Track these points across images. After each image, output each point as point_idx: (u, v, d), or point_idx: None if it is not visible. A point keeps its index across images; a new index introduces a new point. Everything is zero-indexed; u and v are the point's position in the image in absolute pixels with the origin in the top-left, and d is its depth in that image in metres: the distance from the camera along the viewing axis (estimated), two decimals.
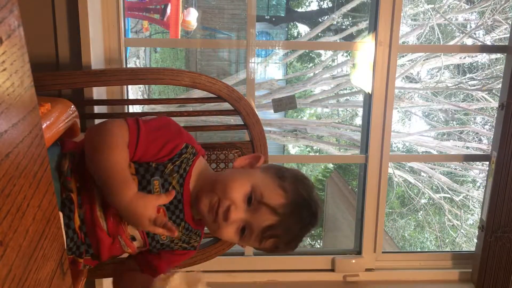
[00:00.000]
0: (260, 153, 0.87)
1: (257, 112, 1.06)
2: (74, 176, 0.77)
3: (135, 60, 6.19)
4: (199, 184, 0.81)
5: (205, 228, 0.89)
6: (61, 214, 0.74)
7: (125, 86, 1.36)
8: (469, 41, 6.13)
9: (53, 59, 1.21)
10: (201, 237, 0.89)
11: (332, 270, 1.60)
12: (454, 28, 6.48)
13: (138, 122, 0.77)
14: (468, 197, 6.29)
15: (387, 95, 1.49)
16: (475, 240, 1.61)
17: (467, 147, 6.30)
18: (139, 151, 0.76)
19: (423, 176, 6.42)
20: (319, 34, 6.37)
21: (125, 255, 0.88)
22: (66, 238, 0.76)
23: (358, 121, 6.77)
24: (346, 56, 6.58)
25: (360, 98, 6.00)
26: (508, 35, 1.51)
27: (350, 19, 7.07)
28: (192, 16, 4.44)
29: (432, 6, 5.94)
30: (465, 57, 5.96)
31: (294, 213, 0.77)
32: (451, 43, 6.22)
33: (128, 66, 2.35)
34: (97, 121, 1.17)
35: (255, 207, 0.76)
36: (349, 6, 6.16)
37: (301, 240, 0.84)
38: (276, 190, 0.77)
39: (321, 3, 8.02)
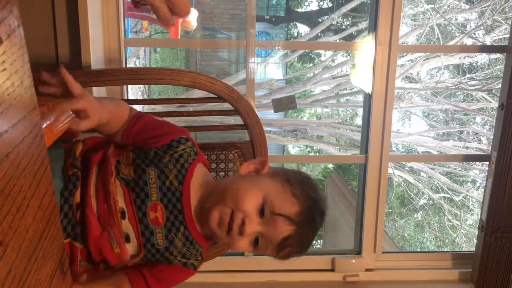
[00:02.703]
0: (266, 158, 0.84)
1: (257, 112, 1.06)
2: (82, 160, 0.77)
3: (135, 60, 6.20)
4: (204, 195, 0.78)
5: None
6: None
7: (125, 86, 1.36)
8: (468, 41, 6.14)
9: (53, 59, 1.21)
10: (202, 257, 0.83)
11: (332, 270, 1.60)
12: (454, 28, 6.48)
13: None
14: (468, 197, 6.29)
15: (387, 95, 1.49)
16: (475, 240, 1.61)
17: (467, 147, 6.30)
18: (139, 123, 0.80)
19: (423, 176, 6.43)
20: (319, 34, 6.38)
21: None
22: (61, 214, 0.72)
23: (358, 121, 6.78)
24: (346, 56, 6.59)
25: (360, 98, 6.00)
26: (508, 35, 1.51)
27: (350, 19, 7.07)
28: (192, 16, 4.44)
29: (432, 6, 5.94)
30: (464, 57, 5.96)
31: (309, 221, 0.76)
32: (451, 43, 6.22)
33: (128, 66, 2.35)
34: None
35: (268, 219, 0.74)
36: (349, 6, 6.17)
37: (312, 243, 0.83)
38: (288, 198, 0.75)
39: (321, 3, 8.02)
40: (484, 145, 6.22)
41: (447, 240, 6.45)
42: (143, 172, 0.76)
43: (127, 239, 0.76)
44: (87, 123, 0.72)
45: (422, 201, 6.55)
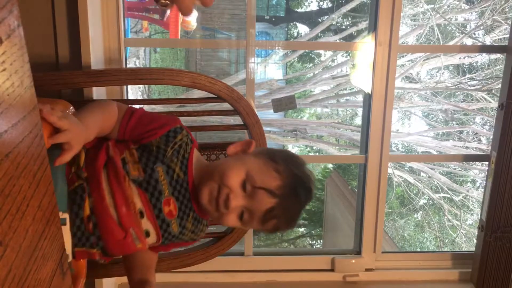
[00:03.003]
0: (252, 139, 0.86)
1: (256, 112, 1.06)
2: (86, 167, 0.78)
3: (135, 60, 6.20)
4: (197, 175, 0.83)
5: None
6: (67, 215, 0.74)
7: (124, 86, 1.36)
8: (468, 41, 6.14)
9: (53, 59, 1.21)
10: (207, 226, 0.90)
11: (332, 270, 1.60)
12: (454, 28, 6.48)
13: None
14: (468, 197, 6.29)
15: (387, 95, 1.49)
16: (475, 240, 1.61)
17: (467, 147, 6.30)
18: (133, 119, 0.82)
19: (422, 176, 6.43)
20: (319, 34, 6.38)
21: None
22: (74, 227, 0.75)
23: (358, 121, 6.77)
24: (346, 56, 6.59)
25: (360, 98, 6.00)
26: (508, 35, 1.51)
27: (350, 19, 7.07)
28: (192, 17, 4.44)
29: (432, 6, 5.94)
30: (464, 57, 5.97)
31: (291, 193, 0.80)
32: (451, 43, 6.22)
33: (128, 66, 2.35)
34: None
35: (251, 193, 0.78)
36: (349, 6, 6.17)
37: (300, 217, 0.86)
38: (270, 173, 0.79)
39: (321, 3, 8.02)
40: (484, 145, 6.22)
41: (447, 240, 6.45)
42: (153, 171, 0.79)
43: (147, 234, 0.81)
44: (70, 153, 0.70)
45: (422, 201, 6.55)
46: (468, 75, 6.37)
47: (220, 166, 0.81)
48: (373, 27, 1.48)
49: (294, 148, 6.63)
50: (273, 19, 8.04)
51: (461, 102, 6.57)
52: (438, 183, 6.18)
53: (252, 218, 0.80)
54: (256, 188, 0.78)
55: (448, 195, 6.16)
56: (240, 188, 0.78)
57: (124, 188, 0.76)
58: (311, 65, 8.09)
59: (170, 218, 0.81)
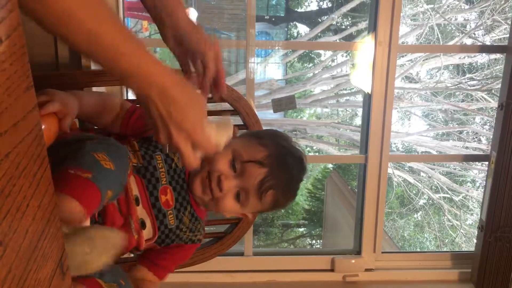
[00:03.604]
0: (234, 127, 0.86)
1: (256, 112, 1.06)
2: None
3: None
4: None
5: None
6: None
7: (124, 86, 1.36)
8: (468, 41, 6.14)
9: (53, 59, 1.21)
10: (203, 229, 0.90)
11: (332, 270, 1.60)
12: (454, 28, 6.48)
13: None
14: (468, 197, 6.29)
15: (387, 95, 1.50)
16: (475, 240, 1.61)
17: (467, 147, 6.30)
18: (136, 114, 0.82)
19: (422, 176, 6.43)
20: (319, 34, 6.38)
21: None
22: None
23: (358, 121, 6.77)
24: (346, 56, 6.58)
25: (360, 98, 6.00)
26: (508, 35, 1.51)
27: (349, 19, 7.07)
28: (192, 16, 4.43)
29: (432, 6, 5.94)
30: (464, 57, 5.97)
31: (280, 162, 0.80)
32: (451, 43, 6.22)
33: None
34: None
35: (241, 169, 0.78)
36: (349, 6, 6.17)
37: (297, 188, 0.87)
38: (256, 147, 0.80)
39: (321, 3, 8.02)
40: (484, 145, 6.23)
41: (446, 240, 6.45)
42: (151, 158, 0.79)
43: (143, 225, 0.79)
44: (68, 120, 0.72)
45: (421, 201, 6.55)
46: (468, 75, 6.37)
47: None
48: (373, 27, 1.48)
49: None
50: (273, 19, 8.04)
51: (461, 102, 6.57)
52: (438, 183, 6.18)
53: (249, 196, 0.79)
54: (244, 163, 0.78)
55: (448, 195, 6.16)
56: (230, 168, 0.78)
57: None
58: (311, 65, 8.09)
59: (167, 208, 0.80)
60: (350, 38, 6.41)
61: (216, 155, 0.75)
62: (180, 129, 0.57)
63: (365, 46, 1.52)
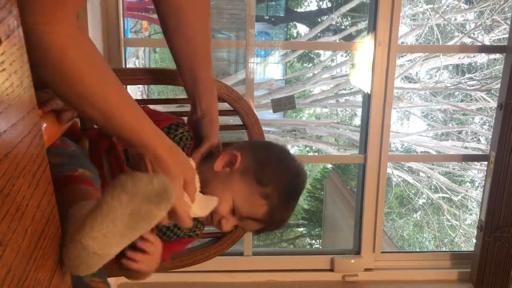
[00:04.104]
0: (237, 152, 0.80)
1: (256, 112, 1.06)
2: (89, 153, 0.79)
3: (134, 60, 6.19)
4: None
5: None
6: None
7: (124, 86, 1.36)
8: (468, 41, 6.14)
9: None
10: (204, 225, 0.90)
11: (331, 270, 1.60)
12: (453, 28, 6.49)
13: None
14: (467, 197, 6.30)
15: (386, 95, 1.50)
16: (474, 240, 1.62)
17: (466, 147, 6.31)
18: None
19: (421, 176, 6.43)
20: (318, 34, 6.38)
21: None
22: None
23: (357, 121, 6.77)
24: (345, 56, 6.59)
25: (359, 98, 6.00)
26: (507, 35, 1.51)
27: (349, 19, 7.07)
28: None
29: (431, 6, 5.94)
30: (464, 57, 5.97)
31: (281, 212, 0.81)
32: (450, 43, 6.23)
33: (128, 66, 2.35)
34: None
35: (240, 219, 0.79)
36: (348, 6, 6.17)
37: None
38: (256, 200, 0.77)
39: (320, 3, 8.02)
40: (483, 145, 6.23)
41: (446, 240, 6.45)
42: None
43: None
44: (68, 115, 0.71)
45: (421, 201, 6.55)
46: (467, 75, 6.38)
47: (209, 191, 0.78)
48: (372, 27, 1.48)
49: (293, 148, 6.63)
50: (273, 19, 8.04)
51: (460, 102, 6.58)
52: (437, 183, 6.18)
53: (245, 230, 0.85)
54: (243, 218, 0.79)
55: (447, 195, 6.16)
56: (230, 214, 0.78)
57: (123, 170, 0.77)
58: (310, 65, 8.09)
59: None
60: (350, 38, 6.42)
61: (218, 200, 0.77)
62: None
63: (365, 46, 1.52)
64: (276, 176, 0.79)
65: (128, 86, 1.48)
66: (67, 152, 0.69)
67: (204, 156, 0.82)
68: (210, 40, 0.83)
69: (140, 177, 0.49)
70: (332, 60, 7.02)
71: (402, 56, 5.79)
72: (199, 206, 0.70)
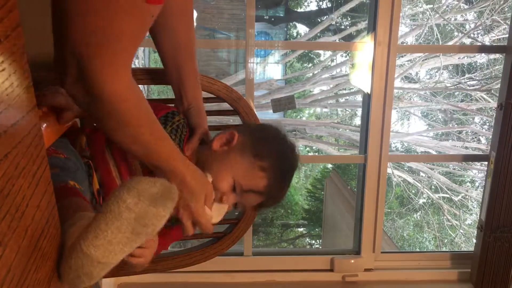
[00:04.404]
0: (234, 130, 0.85)
1: (256, 112, 1.06)
2: (88, 146, 0.81)
3: (134, 60, 6.20)
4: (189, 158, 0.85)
5: None
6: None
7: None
8: (468, 41, 6.15)
9: (53, 59, 1.21)
10: None
11: (331, 270, 1.60)
12: (453, 28, 6.49)
13: None
14: (467, 197, 6.30)
15: (386, 95, 1.50)
16: (474, 240, 1.62)
17: (466, 147, 6.31)
18: None
19: (422, 176, 6.43)
20: (318, 34, 6.38)
21: None
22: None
23: (357, 121, 6.78)
24: (345, 56, 6.59)
25: (359, 98, 6.00)
26: (507, 35, 1.51)
27: (349, 19, 7.08)
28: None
29: (431, 6, 5.94)
30: (464, 57, 5.97)
31: (279, 185, 0.84)
32: (450, 43, 6.23)
33: None
34: None
35: (241, 194, 0.82)
36: (348, 6, 6.17)
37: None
38: (256, 174, 0.81)
39: (320, 3, 8.02)
40: (483, 145, 6.23)
41: (446, 240, 6.45)
42: None
43: None
44: (70, 113, 0.74)
45: (421, 201, 6.55)
46: (467, 75, 6.38)
47: (209, 171, 0.81)
48: (372, 27, 1.48)
49: None
50: (273, 19, 8.04)
51: (460, 102, 6.58)
52: (437, 183, 6.18)
53: (245, 207, 0.87)
54: (244, 192, 0.81)
55: (447, 195, 6.16)
56: (231, 190, 0.81)
57: (129, 160, 0.78)
58: (310, 65, 8.10)
59: None
60: (350, 38, 6.42)
61: (217, 177, 0.80)
62: (186, 209, 0.73)
63: (365, 46, 1.52)
64: (273, 151, 0.83)
65: None
66: (58, 163, 0.70)
67: (197, 145, 0.86)
68: (193, 31, 0.85)
69: (143, 180, 0.50)
70: (332, 60, 7.02)
71: (402, 56, 5.79)
72: (215, 214, 0.78)
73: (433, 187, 6.26)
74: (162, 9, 0.79)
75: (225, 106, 1.03)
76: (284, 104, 1.56)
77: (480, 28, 5.86)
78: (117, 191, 0.49)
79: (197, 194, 0.73)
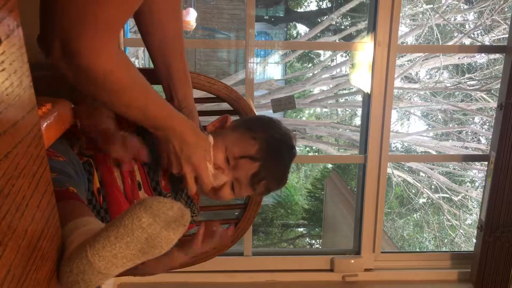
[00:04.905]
0: (227, 114, 0.89)
1: (256, 113, 1.06)
2: (88, 146, 0.80)
3: (134, 60, 6.19)
4: None
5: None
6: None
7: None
8: (468, 41, 6.15)
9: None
10: (198, 211, 0.92)
11: (331, 270, 1.60)
12: (453, 28, 6.49)
13: None
14: (467, 197, 6.30)
15: (386, 95, 1.50)
16: (474, 240, 1.62)
17: (466, 147, 6.31)
18: None
19: (422, 176, 6.43)
20: (318, 34, 6.38)
21: None
22: (85, 201, 0.76)
23: (357, 121, 6.78)
24: (345, 56, 6.59)
25: (359, 98, 6.01)
26: (507, 35, 1.51)
27: (349, 19, 7.08)
28: (191, 16, 4.43)
29: (431, 6, 5.94)
30: (464, 57, 5.97)
31: (272, 154, 0.83)
32: (450, 43, 6.23)
33: None
34: None
35: (235, 164, 0.81)
36: (348, 6, 6.18)
37: (288, 173, 0.90)
38: (248, 141, 0.82)
39: (320, 3, 8.03)
40: (483, 145, 6.23)
41: (446, 240, 6.46)
42: (152, 143, 0.80)
43: None
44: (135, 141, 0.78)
45: (421, 201, 6.55)
46: (467, 75, 6.38)
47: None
48: (372, 27, 1.48)
49: None
50: (273, 19, 8.04)
51: (460, 102, 6.58)
52: (437, 183, 6.18)
53: (241, 186, 0.83)
54: (237, 159, 0.80)
55: (447, 195, 6.16)
56: (225, 162, 0.80)
57: (131, 159, 0.79)
58: (310, 65, 8.10)
59: (166, 191, 0.85)
60: (350, 38, 6.42)
61: (213, 151, 0.80)
62: (188, 162, 0.75)
63: (365, 46, 1.52)
64: (265, 125, 0.87)
65: None
66: (57, 167, 0.70)
67: None
68: (181, 28, 0.86)
69: (161, 202, 0.49)
70: (332, 60, 7.03)
71: (402, 56, 5.79)
72: (212, 176, 0.79)
73: (433, 187, 6.26)
74: (150, 5, 0.80)
75: (225, 106, 1.03)
76: (284, 104, 1.56)
77: (480, 28, 5.86)
78: (134, 208, 0.49)
79: (198, 148, 0.75)
